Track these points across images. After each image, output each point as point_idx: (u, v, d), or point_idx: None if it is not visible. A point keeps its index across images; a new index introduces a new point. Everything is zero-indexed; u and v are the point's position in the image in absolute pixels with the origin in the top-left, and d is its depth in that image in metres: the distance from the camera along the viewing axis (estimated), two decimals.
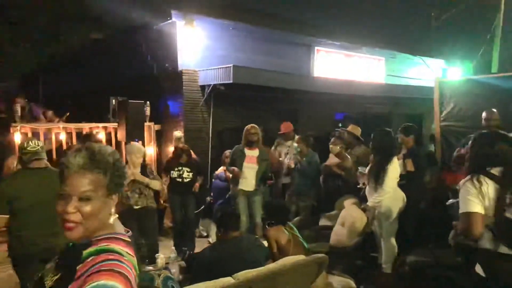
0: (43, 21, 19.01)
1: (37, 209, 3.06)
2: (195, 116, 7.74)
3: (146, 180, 4.81)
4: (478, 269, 2.39)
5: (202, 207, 7.15)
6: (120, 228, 1.40)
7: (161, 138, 7.89)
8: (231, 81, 6.93)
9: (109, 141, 6.88)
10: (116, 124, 7.00)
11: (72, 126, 6.58)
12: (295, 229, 3.86)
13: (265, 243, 3.63)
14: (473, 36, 9.83)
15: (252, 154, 5.36)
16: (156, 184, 4.93)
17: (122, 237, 1.35)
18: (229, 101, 7.88)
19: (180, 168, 5.73)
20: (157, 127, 7.71)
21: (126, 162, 4.73)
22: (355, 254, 4.79)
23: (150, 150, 7.16)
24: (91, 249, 1.27)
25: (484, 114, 4.96)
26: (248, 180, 5.27)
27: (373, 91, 10.00)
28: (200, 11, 7.51)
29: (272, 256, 3.45)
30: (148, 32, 8.00)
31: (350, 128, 6.10)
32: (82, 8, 20.40)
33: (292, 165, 5.68)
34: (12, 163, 4.65)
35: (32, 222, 3.05)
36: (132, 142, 5.32)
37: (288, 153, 6.48)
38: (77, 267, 1.24)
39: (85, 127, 6.65)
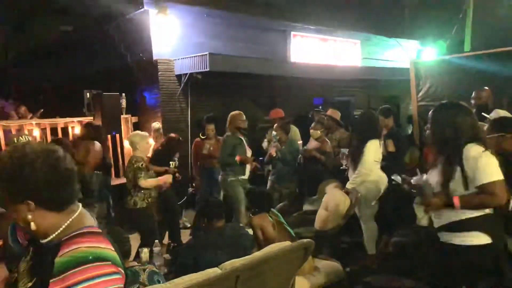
0: (12, 14, 18.39)
1: None
2: (172, 106, 7.62)
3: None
4: None
5: (184, 198, 7.10)
6: (88, 220, 1.32)
7: (139, 130, 7.75)
8: (207, 69, 6.83)
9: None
10: (91, 118, 6.84)
11: (46, 121, 6.40)
12: (279, 215, 3.86)
13: (250, 231, 3.62)
14: (445, 16, 9.93)
15: (245, 141, 5.35)
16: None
17: (93, 230, 1.27)
18: (207, 90, 7.79)
19: (174, 160, 5.55)
20: (134, 119, 7.58)
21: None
22: (340, 237, 4.84)
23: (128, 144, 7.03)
24: (63, 258, 1.17)
25: (473, 94, 5.04)
26: (246, 169, 5.25)
27: (349, 74, 10.04)
28: None
29: (258, 244, 3.44)
30: (120, 21, 7.78)
31: (330, 112, 6.12)
32: (51, 0, 19.81)
33: (274, 154, 5.66)
34: None
35: None
36: (135, 132, 5.09)
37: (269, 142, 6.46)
38: (51, 280, 1.15)
39: (60, 122, 6.47)
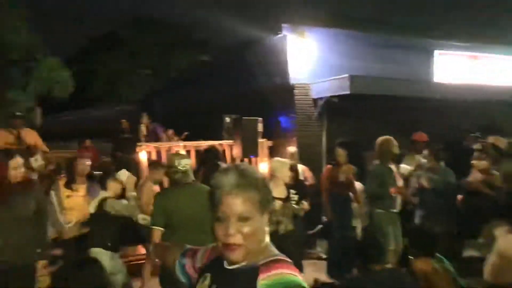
0: (157, 49, 20.78)
1: (189, 224, 3.00)
2: (308, 131, 7.43)
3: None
4: None
5: (318, 227, 6.76)
6: (275, 249, 1.33)
7: (273, 155, 7.72)
8: (347, 92, 6.49)
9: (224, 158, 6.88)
10: (231, 141, 7.02)
11: (191, 144, 6.71)
12: (445, 261, 3.26)
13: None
14: None
15: (394, 170, 4.88)
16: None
17: (286, 259, 1.29)
18: (344, 114, 7.41)
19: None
20: (269, 143, 7.57)
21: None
22: None
23: (264, 167, 7.01)
24: (267, 281, 1.20)
25: None
26: (397, 201, 4.75)
27: (508, 95, 8.71)
28: (311, 22, 7.25)
29: None
30: (257, 48, 7.97)
31: (493, 139, 5.25)
32: (190, 34, 21.89)
33: (426, 184, 4.99)
34: (150, 188, 4.71)
35: (185, 237, 2.94)
36: (275, 158, 5.03)
37: (415, 169, 5.80)
38: None
39: (203, 144, 6.73)
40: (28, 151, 5.46)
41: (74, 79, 13.70)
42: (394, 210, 4.69)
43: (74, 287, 1.78)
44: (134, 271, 4.90)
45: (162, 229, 3.05)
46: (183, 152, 6.44)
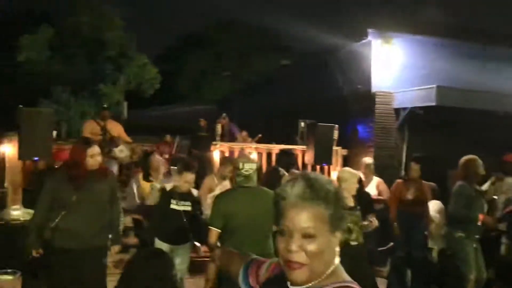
0: (239, 52, 21.30)
1: (247, 229, 2.96)
2: (386, 142, 7.07)
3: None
4: None
5: (390, 244, 6.37)
6: (345, 273, 1.18)
7: (347, 164, 7.45)
8: (433, 104, 6.06)
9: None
10: (303, 146, 6.90)
11: (263, 146, 6.71)
12: None
13: None
14: None
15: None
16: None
17: (357, 286, 1.15)
18: (428, 127, 6.93)
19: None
20: (344, 151, 7.33)
21: None
22: None
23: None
24: None
25: None
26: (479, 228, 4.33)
27: None
28: (398, 28, 6.89)
29: None
30: (340, 53, 7.77)
31: None
32: (273, 39, 22.15)
33: None
34: (211, 182, 4.76)
35: (245, 241, 2.92)
36: (345, 167, 4.84)
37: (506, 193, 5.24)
38: None
39: (275, 148, 6.69)
40: (111, 142, 5.79)
41: (161, 76, 14.45)
42: (477, 236, 4.25)
43: (140, 277, 1.79)
44: (196, 269, 4.96)
45: (219, 230, 3.03)
46: (254, 154, 6.47)
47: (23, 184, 5.11)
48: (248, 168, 3.13)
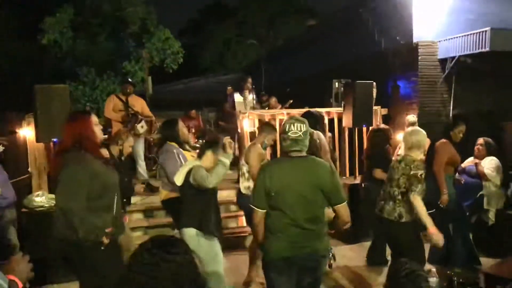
0: (261, 19, 20.50)
1: (296, 207, 2.48)
2: (432, 97, 6.42)
3: None
4: None
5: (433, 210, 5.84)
6: None
7: (387, 124, 6.86)
8: (487, 49, 5.33)
9: (331, 128, 6.25)
10: (340, 108, 6.36)
11: (295, 111, 6.20)
12: None
13: None
14: None
15: None
16: None
17: None
18: (478, 77, 6.20)
19: None
20: (383, 111, 6.72)
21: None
22: None
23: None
24: None
25: None
26: None
27: None
28: None
29: None
30: (375, 4, 7.03)
31: None
32: (294, 2, 21.16)
33: None
34: (259, 150, 4.19)
35: (291, 222, 2.47)
36: (415, 128, 4.16)
37: None
38: None
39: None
40: (134, 117, 5.51)
41: (184, 50, 14.07)
42: None
43: (155, 274, 1.38)
44: (232, 244, 4.70)
45: (263, 211, 2.57)
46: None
47: (48, 168, 4.89)
48: (296, 129, 2.51)
